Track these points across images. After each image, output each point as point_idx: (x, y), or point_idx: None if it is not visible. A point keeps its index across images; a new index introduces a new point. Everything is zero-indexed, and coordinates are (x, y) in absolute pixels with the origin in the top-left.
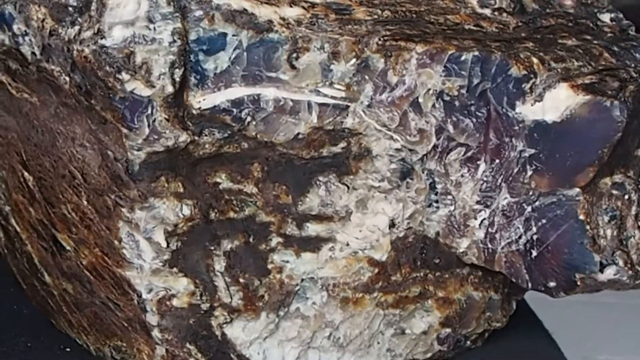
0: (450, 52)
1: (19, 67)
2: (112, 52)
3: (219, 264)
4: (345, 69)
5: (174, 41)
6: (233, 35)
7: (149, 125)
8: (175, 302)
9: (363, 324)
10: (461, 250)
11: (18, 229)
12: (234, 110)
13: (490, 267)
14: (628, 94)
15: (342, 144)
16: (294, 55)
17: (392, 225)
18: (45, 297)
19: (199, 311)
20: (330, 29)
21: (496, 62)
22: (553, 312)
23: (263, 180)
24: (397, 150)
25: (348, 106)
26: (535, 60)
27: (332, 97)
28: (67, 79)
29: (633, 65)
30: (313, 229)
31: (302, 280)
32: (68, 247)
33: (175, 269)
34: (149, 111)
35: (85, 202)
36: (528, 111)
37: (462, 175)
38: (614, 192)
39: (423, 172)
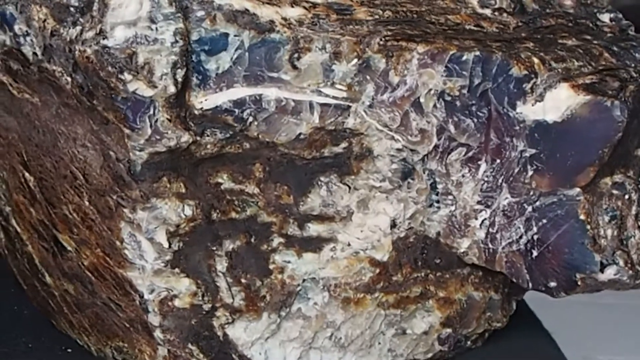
0: (451, 52)
1: (20, 67)
2: (114, 53)
3: (221, 265)
4: (347, 69)
5: (176, 41)
6: (235, 36)
7: (151, 126)
8: (177, 302)
9: (364, 324)
10: (462, 250)
11: (19, 229)
12: (236, 110)
13: (490, 267)
14: (628, 94)
15: (344, 144)
16: (296, 55)
17: (393, 225)
18: (46, 298)
19: (200, 312)
20: (332, 29)
21: (497, 62)
22: (553, 312)
23: (265, 181)
24: (399, 150)
25: (349, 106)
26: (535, 60)
27: (334, 97)
28: (69, 79)
29: (633, 65)
30: (314, 229)
31: (304, 280)
32: (69, 248)
33: (177, 270)
34: (151, 111)
35: (86, 203)
36: (529, 111)
37: (463, 176)
38: (615, 192)
39: (424, 172)
